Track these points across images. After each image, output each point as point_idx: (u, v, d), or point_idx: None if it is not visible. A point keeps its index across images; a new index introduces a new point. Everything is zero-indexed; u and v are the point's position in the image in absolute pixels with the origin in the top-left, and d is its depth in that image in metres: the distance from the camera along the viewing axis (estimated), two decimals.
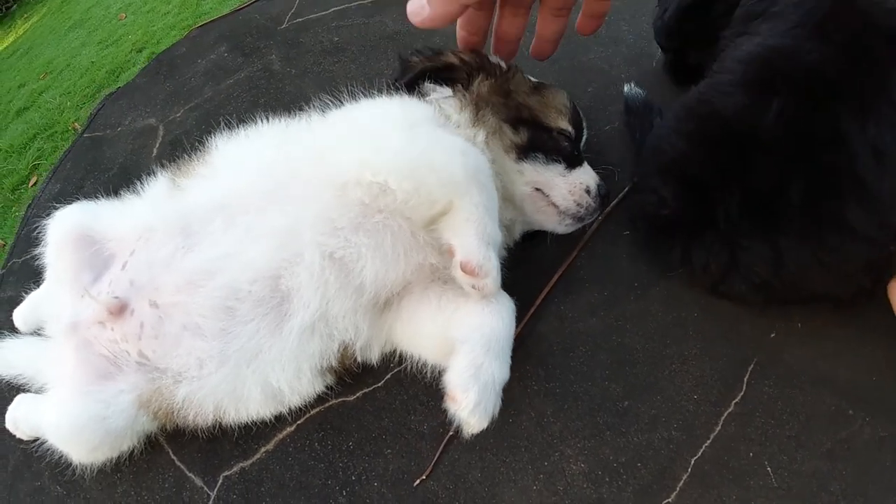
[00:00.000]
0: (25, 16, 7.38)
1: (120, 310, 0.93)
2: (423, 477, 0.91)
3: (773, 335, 0.93)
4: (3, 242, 3.68)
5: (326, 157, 0.87)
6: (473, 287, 0.79)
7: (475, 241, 0.77)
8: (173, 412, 0.93)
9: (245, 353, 0.87)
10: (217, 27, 1.88)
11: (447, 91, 1.01)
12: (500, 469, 0.89)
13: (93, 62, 4.66)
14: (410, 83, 1.03)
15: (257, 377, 0.89)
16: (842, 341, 0.91)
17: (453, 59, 1.04)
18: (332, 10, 1.77)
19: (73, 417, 0.92)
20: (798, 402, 0.86)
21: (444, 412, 0.89)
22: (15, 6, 7.96)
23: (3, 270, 1.47)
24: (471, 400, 0.78)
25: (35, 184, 3.93)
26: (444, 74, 1.04)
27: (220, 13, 4.21)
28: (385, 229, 0.85)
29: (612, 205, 1.10)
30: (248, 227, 0.89)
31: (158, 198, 1.03)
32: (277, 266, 0.86)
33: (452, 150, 0.85)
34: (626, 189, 1.13)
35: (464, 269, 0.76)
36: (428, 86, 1.03)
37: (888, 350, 0.88)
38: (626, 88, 1.27)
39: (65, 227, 1.07)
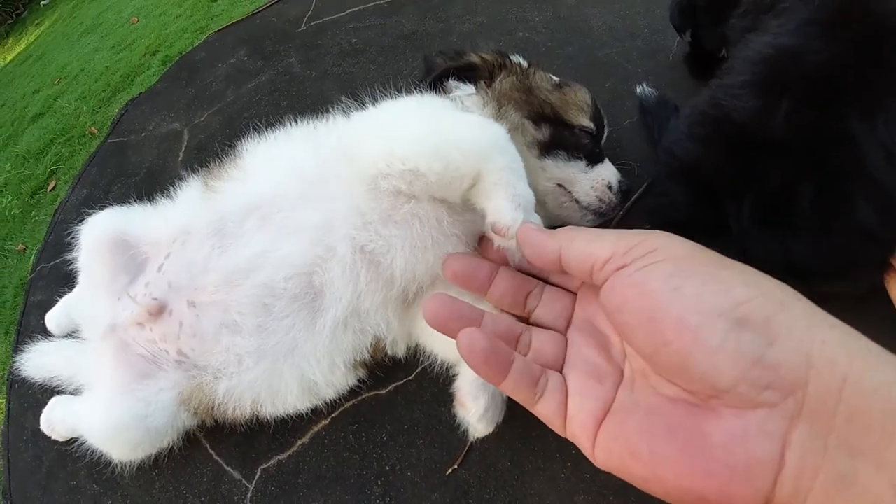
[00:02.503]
0: (36, 22, 7.41)
1: (159, 311, 0.96)
2: (455, 466, 0.93)
3: None
4: (23, 246, 3.73)
5: (356, 154, 0.89)
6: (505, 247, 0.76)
7: (504, 202, 0.76)
8: (213, 407, 0.96)
9: (281, 349, 0.90)
10: (235, 31, 1.90)
11: (470, 88, 1.03)
12: (529, 458, 0.91)
13: (107, 66, 4.69)
14: (434, 82, 1.05)
15: (293, 371, 0.92)
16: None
17: (475, 59, 1.07)
18: (349, 11, 1.79)
19: (115, 417, 0.95)
20: None
21: None
22: (25, 13, 8.01)
23: (33, 275, 1.50)
24: (480, 407, 0.83)
25: (54, 188, 3.98)
26: (468, 73, 1.06)
27: (232, 14, 4.29)
28: (413, 219, 0.87)
29: (632, 199, 1.12)
30: (281, 225, 0.91)
31: (192, 201, 1.05)
32: (311, 262, 0.88)
33: (470, 124, 0.87)
34: (646, 184, 1.14)
35: (494, 230, 0.74)
36: (451, 83, 1.05)
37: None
38: (639, 89, 1.28)
39: (98, 232, 1.09)
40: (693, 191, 0.93)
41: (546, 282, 0.74)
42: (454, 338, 0.59)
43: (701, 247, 0.51)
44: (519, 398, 0.59)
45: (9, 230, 3.92)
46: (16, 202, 4.06)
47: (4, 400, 2.83)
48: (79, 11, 6.62)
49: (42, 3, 7.84)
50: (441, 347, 0.95)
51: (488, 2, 1.69)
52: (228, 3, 4.59)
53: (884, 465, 0.37)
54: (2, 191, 4.26)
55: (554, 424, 0.58)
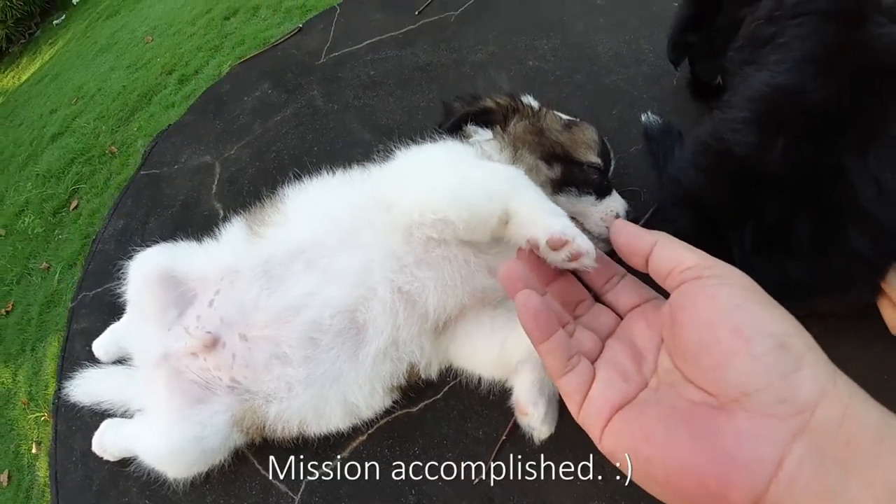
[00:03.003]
0: (50, 41, 7.47)
1: (213, 343, 1.05)
2: (482, 476, 1.01)
3: None
4: (47, 265, 3.81)
5: (390, 205, 0.98)
6: (570, 257, 0.75)
7: (547, 219, 0.80)
8: (263, 428, 1.05)
9: (328, 377, 1.00)
10: (257, 64, 1.98)
11: (488, 134, 1.12)
12: (549, 466, 0.99)
13: (124, 86, 4.76)
14: (453, 128, 1.15)
15: (338, 396, 1.01)
16: (851, 345, 0.95)
17: (490, 104, 1.16)
18: (366, 43, 1.86)
19: (173, 440, 1.04)
20: None
21: (496, 419, 1.04)
22: (38, 32, 8.09)
23: (75, 303, 1.58)
24: (540, 412, 0.91)
25: (76, 207, 4.04)
26: (483, 117, 1.15)
27: (244, 32, 4.37)
28: (444, 261, 0.97)
29: (640, 224, 1.17)
30: (325, 269, 1.01)
31: (237, 243, 1.14)
32: (354, 301, 0.98)
33: (490, 172, 0.97)
34: (651, 210, 1.21)
35: (553, 245, 0.75)
36: (470, 128, 1.14)
37: (892, 352, 0.96)
38: (643, 117, 1.35)
39: (148, 268, 1.18)
40: (697, 218, 0.99)
41: (596, 299, 0.79)
42: (511, 291, 0.66)
43: (759, 287, 0.59)
44: (550, 364, 0.66)
45: (32, 249, 3.99)
46: (38, 221, 4.12)
47: (35, 416, 2.92)
48: (92, 31, 6.68)
49: (55, 22, 7.89)
50: (486, 369, 1.04)
51: (499, 31, 1.75)
52: (241, 22, 4.65)
53: (870, 483, 0.45)
54: (24, 210, 4.33)
55: (571, 401, 0.65)
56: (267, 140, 1.68)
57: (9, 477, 2.93)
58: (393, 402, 1.08)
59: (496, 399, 1.05)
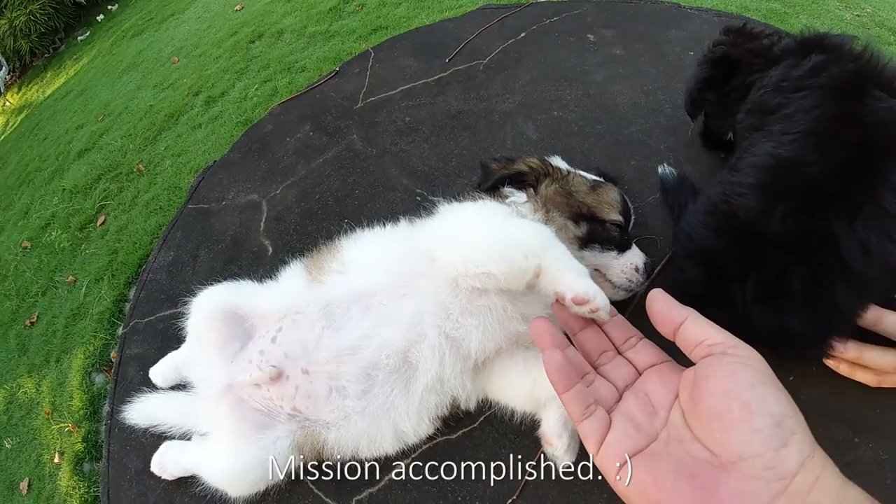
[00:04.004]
0: (75, 57, 7.56)
1: (277, 376, 1.17)
2: (514, 497, 1.13)
3: (791, 378, 1.11)
4: (73, 278, 3.86)
5: (438, 259, 1.12)
6: (591, 311, 0.88)
7: (573, 279, 0.93)
8: (321, 452, 1.17)
9: (382, 409, 1.12)
10: (297, 105, 2.09)
11: (523, 197, 1.26)
12: (573, 490, 1.11)
13: (151, 105, 4.83)
14: (491, 188, 1.29)
15: (390, 425, 1.13)
16: (849, 383, 1.08)
17: (524, 167, 1.30)
18: (400, 89, 1.98)
19: (239, 463, 1.15)
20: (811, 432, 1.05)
21: (527, 446, 1.16)
22: (63, 47, 8.22)
23: (126, 329, 1.65)
24: (564, 444, 1.03)
25: (103, 223, 4.08)
26: (518, 178, 1.29)
27: (270, 55, 4.48)
28: (485, 310, 1.10)
29: (655, 271, 1.30)
30: (380, 313, 1.13)
31: (297, 286, 1.27)
32: (407, 344, 1.10)
33: (526, 231, 1.10)
34: (666, 258, 1.33)
35: (577, 302, 0.88)
36: (507, 190, 1.28)
37: (889, 388, 1.05)
38: (660, 169, 1.46)
39: (213, 305, 1.30)
40: (705, 270, 1.08)
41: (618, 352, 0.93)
42: (540, 346, 0.82)
43: (770, 370, 0.72)
44: (571, 410, 0.79)
45: (58, 262, 4.02)
46: (65, 235, 4.16)
47: (59, 426, 2.96)
48: (118, 49, 6.75)
49: (79, 38, 8.00)
50: (518, 402, 1.16)
51: (524, 80, 1.88)
52: (266, 46, 4.74)
53: None
54: (50, 223, 4.37)
55: (589, 443, 0.77)
56: (311, 182, 1.80)
57: (29, 485, 2.94)
58: (435, 429, 1.19)
59: (527, 429, 1.17)
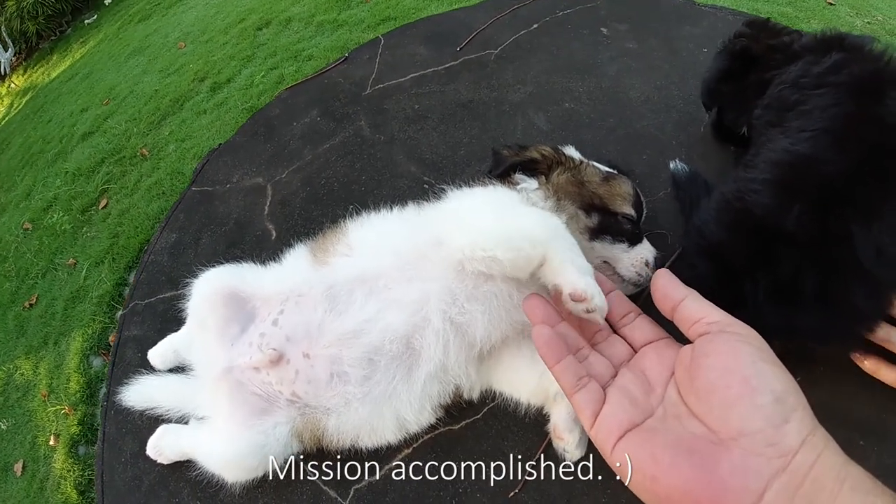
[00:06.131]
0: (81, 40, 7.57)
1: (278, 360, 1.15)
2: (516, 490, 1.11)
3: (798, 379, 1.07)
4: (74, 261, 3.84)
5: (445, 243, 1.09)
6: (587, 311, 0.89)
7: (574, 275, 0.92)
8: (321, 439, 1.15)
9: (383, 395, 1.10)
10: (305, 90, 2.07)
11: (534, 183, 1.24)
12: (576, 485, 1.09)
13: (156, 90, 4.83)
14: (502, 175, 1.27)
15: (391, 413, 1.11)
16: (855, 384, 1.07)
17: (536, 155, 1.28)
18: (410, 76, 1.96)
19: (237, 447, 1.13)
20: None
21: (531, 439, 1.14)
22: (69, 30, 8.23)
23: (125, 311, 1.63)
24: (574, 438, 1.02)
25: (105, 206, 4.09)
26: (529, 166, 1.27)
27: (277, 43, 4.46)
28: (491, 296, 1.08)
29: (665, 266, 1.26)
30: (385, 297, 1.11)
31: (301, 268, 1.25)
32: (411, 329, 1.08)
33: (535, 219, 1.08)
34: (676, 253, 1.31)
35: (574, 298, 0.89)
36: (518, 177, 1.25)
37: (893, 391, 1.04)
38: (672, 165, 1.44)
39: (214, 286, 1.28)
40: (717, 268, 1.06)
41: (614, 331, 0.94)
42: (532, 321, 0.86)
43: (769, 348, 0.72)
44: (562, 382, 0.80)
45: (59, 244, 4.04)
46: (66, 218, 4.17)
47: (55, 408, 2.96)
48: (125, 33, 6.77)
49: (86, 21, 8.01)
50: (525, 395, 1.15)
51: (536, 71, 1.86)
52: (273, 33, 4.74)
53: None
54: (51, 206, 4.38)
55: (583, 416, 0.78)
56: (317, 167, 1.78)
57: (23, 467, 2.96)
58: (437, 419, 1.17)
59: (530, 421, 1.15)
